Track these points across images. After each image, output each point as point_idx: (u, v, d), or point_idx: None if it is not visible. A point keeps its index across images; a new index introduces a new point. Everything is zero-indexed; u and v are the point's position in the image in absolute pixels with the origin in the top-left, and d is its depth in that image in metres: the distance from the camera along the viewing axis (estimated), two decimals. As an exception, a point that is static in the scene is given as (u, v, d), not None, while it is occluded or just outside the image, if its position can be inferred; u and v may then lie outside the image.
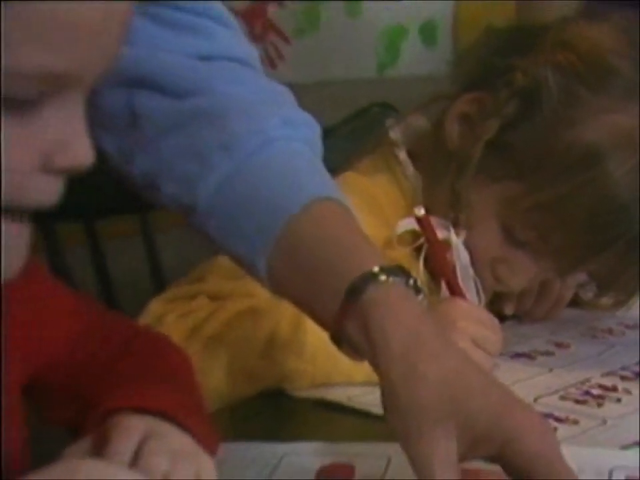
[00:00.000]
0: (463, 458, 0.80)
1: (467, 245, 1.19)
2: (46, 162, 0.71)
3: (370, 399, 1.01)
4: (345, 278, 0.85)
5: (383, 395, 0.84)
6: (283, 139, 0.98)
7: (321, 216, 0.92)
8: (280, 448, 0.93)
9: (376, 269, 0.85)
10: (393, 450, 0.87)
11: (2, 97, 0.68)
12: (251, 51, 1.06)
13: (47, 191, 0.73)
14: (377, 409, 0.92)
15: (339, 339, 0.88)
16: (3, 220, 0.72)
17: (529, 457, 0.79)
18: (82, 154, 0.72)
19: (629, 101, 1.15)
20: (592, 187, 1.14)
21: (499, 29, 1.29)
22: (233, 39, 1.05)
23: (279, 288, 0.95)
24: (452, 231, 1.18)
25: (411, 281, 0.87)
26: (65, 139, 0.72)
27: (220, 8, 1.04)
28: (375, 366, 0.84)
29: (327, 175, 0.97)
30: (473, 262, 1.19)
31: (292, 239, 0.91)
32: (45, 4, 0.67)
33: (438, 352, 0.84)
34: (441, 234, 1.17)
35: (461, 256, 1.18)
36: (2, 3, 0.70)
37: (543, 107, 1.16)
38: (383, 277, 0.85)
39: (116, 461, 0.76)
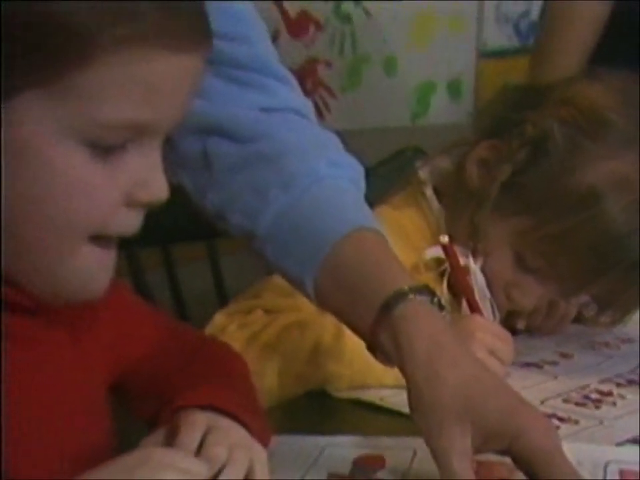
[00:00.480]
0: (477, 451, 0.80)
1: (483, 270, 1.18)
2: (129, 198, 0.72)
3: (399, 399, 0.99)
4: (379, 295, 0.86)
5: (409, 396, 0.84)
6: (330, 177, 0.98)
7: (359, 242, 0.92)
8: (322, 440, 0.93)
9: (406, 288, 0.86)
10: (418, 444, 0.86)
11: (92, 142, 0.70)
12: (305, 103, 1.07)
13: (129, 223, 0.74)
14: (405, 409, 0.92)
15: (373, 347, 0.88)
16: (91, 247, 0.73)
17: (533, 450, 0.78)
18: (159, 191, 0.73)
19: (624, 149, 1.15)
20: (592, 222, 1.14)
21: (513, 87, 1.31)
22: (290, 93, 1.06)
23: (323, 303, 0.95)
24: (471, 258, 1.18)
25: (435, 299, 0.87)
26: (144, 178, 0.72)
27: (279, 67, 1.05)
28: (403, 371, 0.85)
29: (366, 208, 0.98)
30: (489, 285, 1.18)
31: (335, 262, 0.92)
32: (134, 69, 0.69)
33: (457, 359, 0.84)
34: (461, 260, 1.17)
35: (478, 280, 1.17)
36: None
37: (549, 154, 1.16)
38: (411, 296, 0.85)
39: (183, 450, 0.77)
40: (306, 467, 0.88)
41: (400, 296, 0.85)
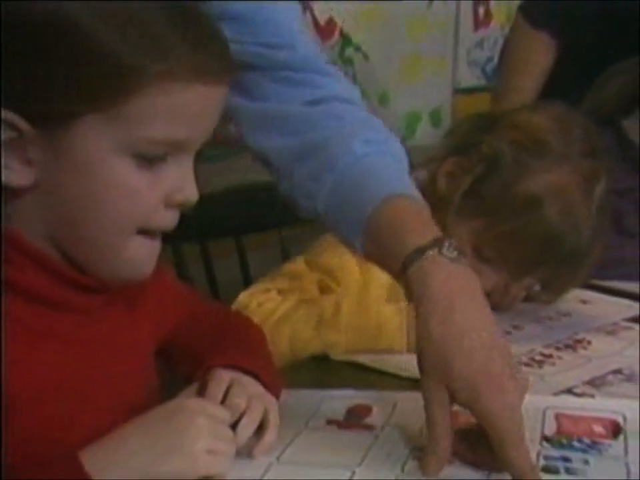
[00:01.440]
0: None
1: None
2: (167, 199, 0.72)
3: (386, 362, 1.02)
4: (403, 252, 0.82)
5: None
6: (366, 155, 0.95)
7: (392, 207, 0.90)
8: (322, 394, 0.93)
9: (422, 244, 0.82)
10: (399, 397, 0.89)
11: (138, 155, 0.70)
12: (351, 89, 1.04)
13: (168, 219, 0.74)
14: (389, 369, 0.94)
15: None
16: (141, 237, 0.73)
17: (486, 416, 0.74)
18: (191, 194, 0.73)
19: (558, 165, 1.16)
20: (534, 222, 1.14)
21: (474, 115, 1.30)
22: (336, 84, 1.02)
23: (368, 257, 0.93)
24: None
25: (444, 249, 0.81)
26: (179, 184, 0.72)
27: (323, 63, 1.03)
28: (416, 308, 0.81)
29: (402, 177, 0.96)
30: None
31: (374, 224, 0.89)
32: (172, 98, 0.69)
33: (446, 318, 0.78)
34: None
35: None
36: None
37: (501, 168, 1.16)
38: (427, 252, 0.81)
39: (211, 400, 0.78)
40: (309, 414, 0.88)
41: (417, 254, 0.81)
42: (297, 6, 1.05)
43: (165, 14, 0.69)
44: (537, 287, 1.28)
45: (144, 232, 0.73)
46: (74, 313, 0.75)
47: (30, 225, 0.71)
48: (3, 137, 0.67)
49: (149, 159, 0.70)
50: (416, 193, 0.94)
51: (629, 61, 1.55)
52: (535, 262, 1.18)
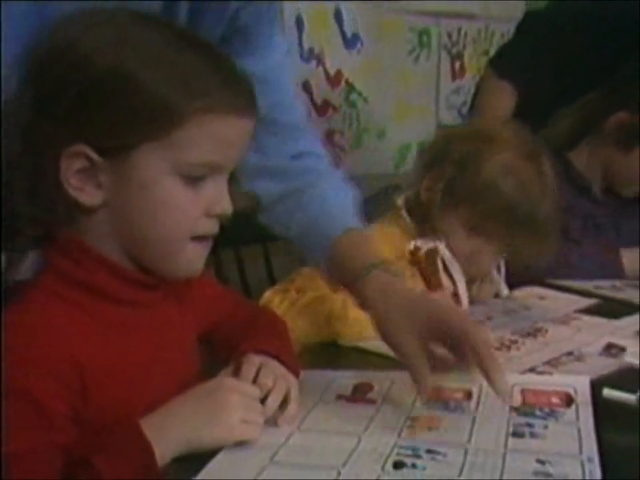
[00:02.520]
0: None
1: (449, 247, 1.18)
2: (207, 211, 0.72)
3: (384, 347, 0.97)
4: (359, 268, 0.88)
5: (378, 326, 0.87)
6: (330, 197, 0.99)
7: (350, 237, 0.93)
8: (332, 374, 0.91)
9: (371, 265, 0.88)
10: (394, 375, 0.87)
11: (184, 176, 0.70)
12: (319, 144, 1.06)
13: (211, 227, 0.73)
14: (387, 353, 0.91)
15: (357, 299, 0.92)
16: (193, 243, 0.73)
17: (453, 329, 0.80)
18: (227, 207, 0.73)
19: (506, 150, 1.17)
20: (497, 201, 1.14)
21: (439, 137, 1.31)
22: (313, 140, 1.04)
23: (330, 278, 0.97)
24: (438, 242, 1.17)
25: (391, 270, 0.89)
26: (217, 199, 0.72)
27: (306, 122, 1.04)
28: (371, 314, 0.88)
29: (355, 213, 0.98)
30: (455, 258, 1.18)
31: (336, 250, 0.93)
32: (211, 129, 0.69)
33: (400, 296, 0.85)
34: (432, 244, 1.17)
35: (446, 254, 1.17)
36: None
37: (466, 165, 1.16)
38: (374, 270, 0.88)
39: (244, 379, 0.77)
40: (322, 390, 0.87)
41: (368, 270, 0.88)
42: (296, 68, 1.07)
43: (201, 61, 0.69)
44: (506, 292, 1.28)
45: (195, 238, 0.73)
46: (136, 306, 0.74)
47: (102, 236, 0.71)
48: (77, 166, 0.68)
49: (192, 179, 0.70)
50: (363, 227, 0.98)
51: (575, 105, 1.55)
52: (508, 233, 1.16)
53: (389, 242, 1.17)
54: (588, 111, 1.52)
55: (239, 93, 0.71)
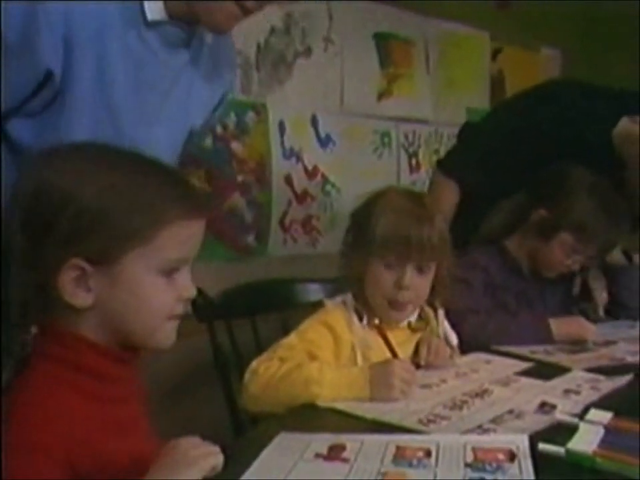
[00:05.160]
0: None
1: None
2: (179, 297, 0.73)
3: (355, 407, 0.99)
4: None
5: None
6: None
7: None
8: (309, 437, 0.87)
9: None
10: (365, 438, 0.86)
11: (162, 271, 0.71)
12: None
13: (181, 309, 0.75)
14: (359, 412, 0.91)
15: None
16: (168, 322, 0.73)
17: None
18: (194, 291, 0.74)
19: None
20: (384, 239, 1.12)
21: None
22: None
23: None
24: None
25: None
26: (186, 285, 0.74)
27: None
28: None
29: None
30: None
31: None
32: (183, 230, 0.71)
33: None
34: None
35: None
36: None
37: (359, 228, 1.17)
38: None
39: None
40: (301, 450, 0.83)
41: None
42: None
43: (163, 179, 0.73)
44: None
45: (170, 317, 0.74)
46: (115, 381, 0.74)
47: (91, 326, 0.72)
48: (72, 276, 0.68)
49: (168, 272, 0.72)
50: None
51: (508, 201, 1.57)
52: (402, 252, 1.13)
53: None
54: (517, 206, 1.54)
55: (199, 200, 0.75)
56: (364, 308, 1.17)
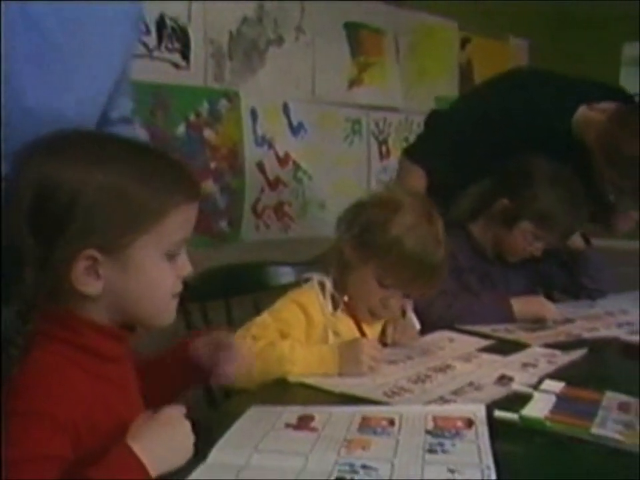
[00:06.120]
0: None
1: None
2: (179, 275, 0.75)
3: (324, 382, 1.03)
4: None
5: None
6: None
7: None
8: (280, 409, 0.90)
9: None
10: (332, 409, 0.89)
11: (167, 254, 0.72)
12: None
13: (180, 286, 0.76)
14: (327, 387, 0.94)
15: None
16: (173, 300, 0.75)
17: None
18: (190, 269, 0.76)
19: (414, 225, 1.14)
20: (401, 257, 1.13)
21: (352, 207, 1.27)
22: None
23: None
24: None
25: None
26: (185, 264, 0.75)
27: None
28: None
29: None
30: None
31: None
32: (184, 213, 0.72)
33: None
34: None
35: None
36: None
37: (374, 231, 1.15)
38: None
39: None
40: (273, 421, 0.86)
41: None
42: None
43: (163, 166, 0.73)
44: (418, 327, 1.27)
45: (173, 296, 0.76)
46: (113, 360, 0.75)
47: (101, 310, 0.73)
48: (85, 265, 0.69)
49: (172, 255, 0.74)
50: None
51: (473, 187, 1.60)
52: (409, 280, 1.16)
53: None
54: (481, 193, 1.58)
55: (195, 181, 0.76)
56: (341, 297, 1.19)
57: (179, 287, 0.76)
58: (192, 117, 1.98)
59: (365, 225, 1.16)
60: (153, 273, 0.72)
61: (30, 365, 0.69)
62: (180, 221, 0.73)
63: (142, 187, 0.69)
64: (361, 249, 1.16)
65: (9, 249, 0.67)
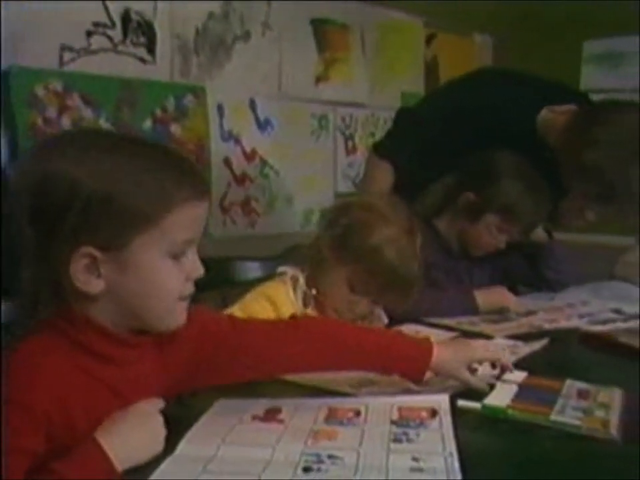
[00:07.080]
0: None
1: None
2: (188, 277, 0.74)
3: (295, 376, 1.00)
4: None
5: None
6: None
7: None
8: (247, 402, 0.90)
9: None
10: (298, 402, 0.89)
11: (171, 253, 0.70)
12: None
13: (190, 289, 0.75)
14: (297, 380, 0.93)
15: None
16: (180, 302, 0.74)
17: None
18: (201, 270, 0.75)
19: (392, 223, 1.16)
20: (379, 264, 1.14)
21: (331, 208, 1.28)
22: None
23: None
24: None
25: None
26: (194, 266, 0.74)
27: None
28: None
29: None
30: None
31: None
32: (189, 212, 0.70)
33: None
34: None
35: None
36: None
37: (355, 235, 1.16)
38: None
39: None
40: (240, 414, 0.87)
41: None
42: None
43: (167, 163, 0.71)
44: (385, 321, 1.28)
45: (180, 298, 0.75)
46: (117, 364, 0.74)
47: (103, 311, 0.72)
48: (84, 263, 0.68)
49: (177, 255, 0.72)
50: None
51: (440, 182, 1.63)
52: (382, 289, 1.17)
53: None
54: (446, 189, 1.60)
55: (203, 180, 0.75)
56: (312, 296, 1.18)
57: (188, 289, 0.74)
58: (158, 112, 1.98)
59: (348, 227, 1.17)
60: (155, 273, 0.70)
61: (15, 355, 0.68)
62: (184, 220, 0.71)
63: (140, 185, 0.68)
64: (338, 250, 1.17)
65: (9, 242, 0.67)
